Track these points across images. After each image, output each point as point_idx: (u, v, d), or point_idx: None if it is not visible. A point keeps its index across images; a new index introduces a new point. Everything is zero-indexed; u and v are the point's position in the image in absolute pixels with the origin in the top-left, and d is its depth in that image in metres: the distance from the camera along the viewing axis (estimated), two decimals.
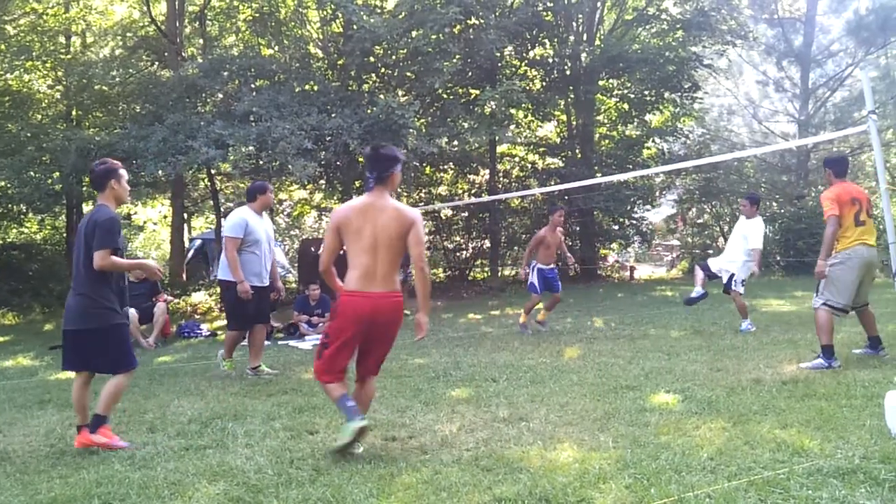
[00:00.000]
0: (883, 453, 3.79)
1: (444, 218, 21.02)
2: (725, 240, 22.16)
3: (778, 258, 17.23)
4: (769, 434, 4.36)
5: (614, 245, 23.30)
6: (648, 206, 21.75)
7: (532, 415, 5.25)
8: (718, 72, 22.74)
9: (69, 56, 17.50)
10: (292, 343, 10.05)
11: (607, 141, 21.61)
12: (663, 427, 4.65)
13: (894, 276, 4.72)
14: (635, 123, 21.24)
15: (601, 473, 3.79)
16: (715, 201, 23.37)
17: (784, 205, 20.84)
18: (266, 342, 10.20)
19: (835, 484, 3.41)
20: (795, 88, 21.87)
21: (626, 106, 20.73)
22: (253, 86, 14.69)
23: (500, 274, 20.39)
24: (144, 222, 23.82)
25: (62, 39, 18.20)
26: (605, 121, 21.75)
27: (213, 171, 16.58)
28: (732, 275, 9.13)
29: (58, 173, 14.09)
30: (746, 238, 9.03)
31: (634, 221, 21.35)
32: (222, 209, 18.86)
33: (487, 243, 20.82)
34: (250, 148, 13.07)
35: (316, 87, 14.88)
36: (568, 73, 19.63)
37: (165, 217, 21.96)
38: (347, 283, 4.52)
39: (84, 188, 14.54)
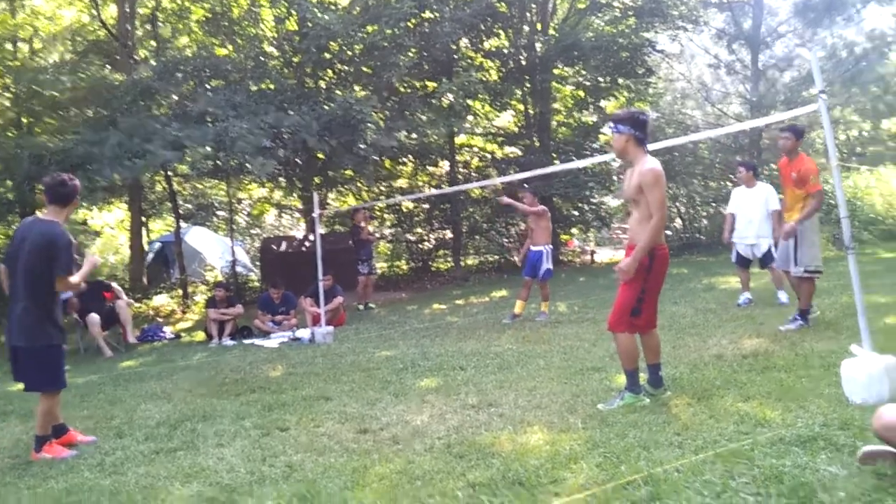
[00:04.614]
0: (841, 420, 3.92)
1: (405, 210, 21.00)
2: (682, 220, 22.66)
3: (727, 237, 17.52)
4: (732, 407, 4.47)
5: (574, 230, 23.49)
6: (606, 191, 21.95)
7: (501, 400, 5.31)
8: (671, 57, 22.99)
9: (17, 62, 17.08)
10: (258, 342, 10.00)
11: (564, 128, 21.75)
12: (630, 406, 4.73)
13: (847, 249, 4.84)
14: (591, 110, 21.40)
15: (572, 454, 3.86)
16: (671, 183, 23.66)
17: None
18: (231, 342, 10.19)
19: (797, 452, 3.52)
20: (746, 70, 22.18)
21: (581, 93, 20.88)
22: (208, 86, 14.51)
23: (462, 264, 20.45)
24: (102, 227, 23.40)
25: (9, 46, 17.75)
26: (562, 108, 21.87)
27: (170, 174, 16.35)
28: (770, 248, 8.84)
29: (10, 182, 13.76)
30: (767, 202, 8.82)
31: (593, 206, 21.54)
32: (181, 211, 18.64)
33: (449, 234, 20.84)
34: (208, 148, 12.92)
35: (272, 86, 14.75)
36: (524, 62, 19.70)
37: (123, 221, 21.60)
38: None
39: (38, 195, 14.23)
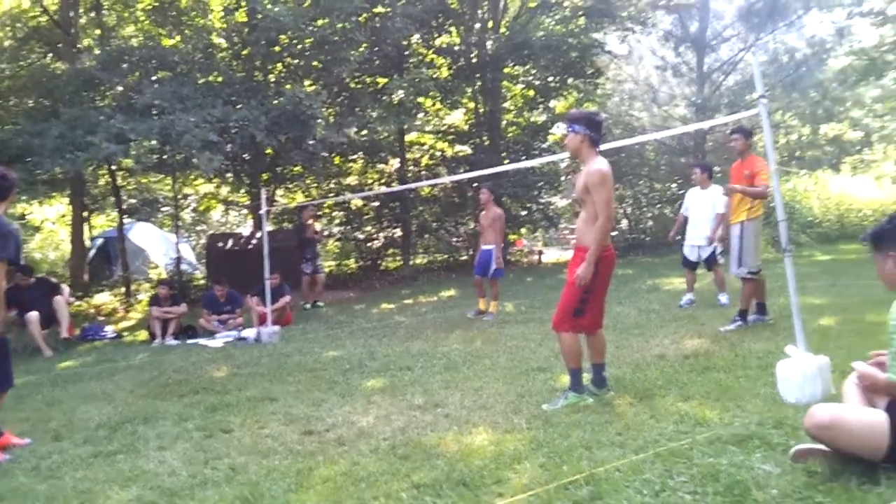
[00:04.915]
0: (776, 419, 4.03)
1: (354, 208, 20.89)
2: (629, 221, 23.00)
3: (679, 237, 17.83)
4: (673, 407, 4.57)
5: (523, 230, 23.65)
6: (555, 191, 22.16)
7: (447, 401, 5.33)
8: (619, 58, 23.30)
9: None
10: (202, 342, 9.85)
11: (514, 127, 21.88)
12: (573, 406, 4.79)
13: (784, 252, 4.97)
14: (541, 109, 21.58)
15: (516, 454, 3.89)
16: (618, 184, 23.99)
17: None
18: (175, 341, 10.02)
19: (733, 450, 3.60)
20: (692, 73, 22.61)
21: (531, 92, 21.02)
22: (154, 78, 14.22)
23: (412, 263, 20.45)
24: (42, 222, 22.76)
25: None
26: (512, 107, 21.99)
27: (114, 167, 16.00)
28: (715, 248, 9.08)
29: None
30: (715, 205, 8.91)
31: (542, 206, 21.72)
32: (124, 206, 18.26)
33: (399, 233, 20.82)
34: (153, 142, 12.68)
35: (220, 79, 14.52)
36: (474, 60, 19.77)
37: (64, 216, 21.06)
38: None
39: None
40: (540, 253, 23.04)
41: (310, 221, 13.44)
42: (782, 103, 23.07)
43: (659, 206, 22.64)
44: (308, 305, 12.99)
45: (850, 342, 5.95)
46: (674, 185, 22.19)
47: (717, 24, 22.52)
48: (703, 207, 9.12)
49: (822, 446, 3.20)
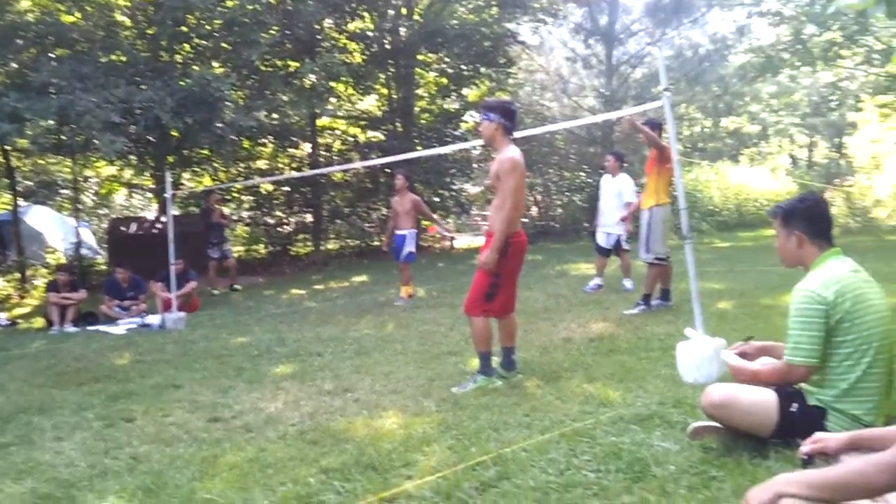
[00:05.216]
0: (675, 399, 4.18)
1: (264, 193, 20.51)
2: (539, 208, 23.40)
3: (586, 224, 18.23)
4: (578, 388, 4.68)
5: (435, 216, 23.71)
6: (466, 178, 22.31)
7: (357, 386, 5.32)
8: (531, 48, 23.59)
9: None
10: (104, 328, 9.51)
11: (427, 114, 21.90)
12: (483, 388, 4.86)
13: (685, 239, 5.16)
14: (453, 97, 21.67)
15: (425, 437, 3.92)
16: (528, 173, 24.33)
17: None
18: (74, 328, 9.65)
19: (635, 429, 3.72)
20: (601, 65, 23.12)
21: (444, 80, 21.10)
22: (52, 55, 13.55)
23: (323, 248, 20.25)
24: None
25: None
26: (425, 94, 22.01)
27: (8, 148, 15.20)
28: (619, 235, 9.28)
29: None
30: (621, 193, 9.17)
31: (454, 193, 21.84)
32: (20, 188, 17.40)
33: (310, 218, 20.57)
34: (51, 122, 12.10)
35: (124, 58, 13.96)
36: (388, 46, 19.65)
37: None
38: None
39: None
40: (452, 239, 23.17)
41: (215, 206, 13.15)
42: (686, 96, 23.87)
43: (568, 193, 23.13)
44: (216, 291, 12.73)
45: (745, 325, 6.24)
46: (582, 174, 22.69)
47: (626, 18, 23.10)
48: (609, 195, 9.35)
49: (717, 424, 3.34)
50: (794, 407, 3.12)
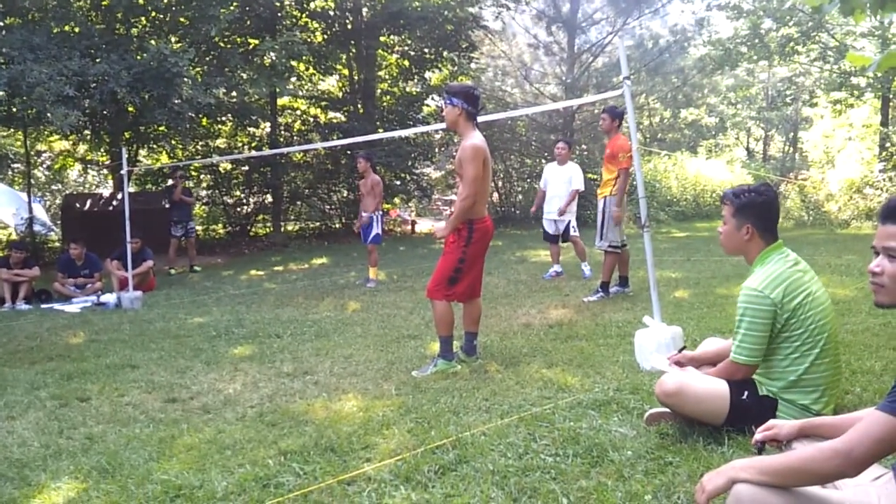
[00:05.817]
0: (632, 385, 4.25)
1: (223, 172, 20.24)
2: (500, 195, 23.49)
3: (532, 210, 18.47)
4: (537, 374, 4.73)
5: (396, 200, 23.72)
6: (428, 162, 22.28)
7: (317, 368, 5.31)
8: (494, 34, 23.60)
9: None
10: (58, 307, 9.33)
11: (389, 97, 21.79)
12: (443, 372, 4.89)
13: (643, 228, 5.23)
14: (415, 80, 21.59)
15: (384, 420, 3.93)
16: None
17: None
18: (27, 306, 9.45)
19: (592, 414, 3.78)
20: (563, 53, 23.22)
21: (406, 63, 21.00)
22: (1, 24, 13.17)
23: (282, 229, 20.09)
24: None
25: None
26: (387, 77, 21.88)
27: None
28: (569, 222, 9.32)
29: None
30: (571, 181, 9.23)
31: (415, 177, 21.81)
32: None
33: (269, 198, 20.38)
34: (0, 93, 11.76)
35: (77, 29, 13.62)
36: (350, 27, 19.49)
37: None
38: None
39: None
40: (413, 223, 23.17)
41: (172, 182, 12.99)
42: (646, 86, 24.12)
43: (529, 180, 23.25)
44: (173, 271, 12.57)
45: (701, 313, 6.36)
46: (543, 161, 22.80)
47: (588, 6, 23.20)
48: (559, 182, 9.41)
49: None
50: (746, 395, 3.21)
